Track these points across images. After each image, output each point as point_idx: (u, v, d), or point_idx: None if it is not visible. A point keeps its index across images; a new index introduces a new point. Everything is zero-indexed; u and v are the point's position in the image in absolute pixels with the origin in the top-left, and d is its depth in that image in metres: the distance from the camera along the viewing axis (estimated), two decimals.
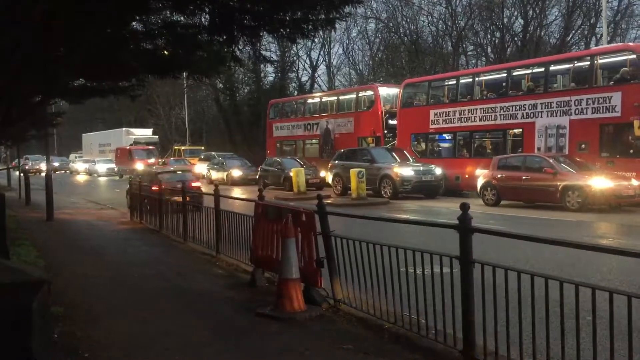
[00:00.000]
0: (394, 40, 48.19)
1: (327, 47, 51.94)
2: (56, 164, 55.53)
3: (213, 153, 38.52)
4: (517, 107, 20.57)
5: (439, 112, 23.67)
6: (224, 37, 6.78)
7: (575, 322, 3.76)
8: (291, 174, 24.49)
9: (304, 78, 53.00)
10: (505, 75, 22.19)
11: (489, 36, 44.87)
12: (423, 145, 24.70)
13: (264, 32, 6.81)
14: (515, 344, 4.21)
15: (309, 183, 24.54)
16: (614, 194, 15.62)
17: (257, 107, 47.07)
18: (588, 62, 19.24)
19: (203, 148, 45.30)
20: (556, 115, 19.26)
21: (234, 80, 51.07)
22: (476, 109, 22.09)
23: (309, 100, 33.88)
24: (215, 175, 32.46)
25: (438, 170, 21.46)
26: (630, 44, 24.18)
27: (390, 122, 26.48)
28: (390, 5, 47.20)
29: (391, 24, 47.74)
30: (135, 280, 8.39)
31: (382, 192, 21.44)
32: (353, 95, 30.02)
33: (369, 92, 28.51)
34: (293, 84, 52.22)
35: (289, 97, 41.32)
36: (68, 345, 5.32)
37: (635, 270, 7.21)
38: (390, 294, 5.45)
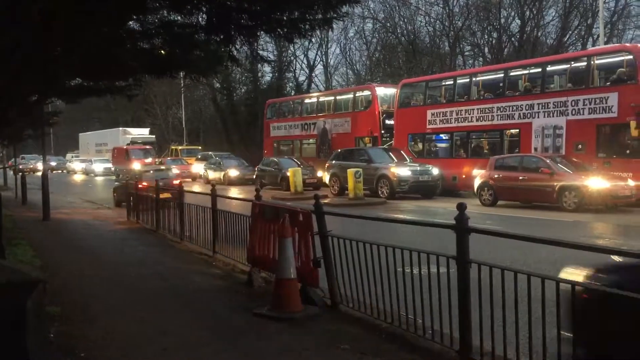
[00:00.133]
0: (392, 40, 48.21)
1: (324, 47, 52.04)
2: (53, 164, 55.47)
3: (210, 153, 38.50)
4: (514, 108, 20.60)
5: (436, 112, 23.69)
6: (221, 37, 6.76)
7: None
8: (288, 173, 24.48)
9: (302, 78, 53.11)
10: (502, 75, 22.21)
11: (486, 36, 44.95)
12: (420, 146, 24.72)
13: (261, 32, 6.79)
14: (512, 344, 4.22)
15: (306, 183, 24.54)
16: (610, 195, 15.65)
17: (255, 107, 47.05)
18: (585, 63, 19.28)
19: (200, 148, 45.27)
20: (553, 116, 19.29)
21: (231, 80, 51.03)
22: (473, 109, 22.12)
23: (306, 100, 33.87)
24: (213, 175, 32.43)
25: (435, 171, 21.48)
26: (627, 44, 24.20)
27: (387, 122, 26.49)
28: (387, 5, 47.30)
29: (388, 24, 47.77)
30: (132, 280, 8.38)
31: (379, 192, 21.45)
32: (350, 95, 30.03)
33: (366, 92, 28.52)
34: (290, 84, 52.23)
35: (286, 97, 41.31)
36: (65, 345, 5.31)
37: None
38: (387, 293, 5.46)
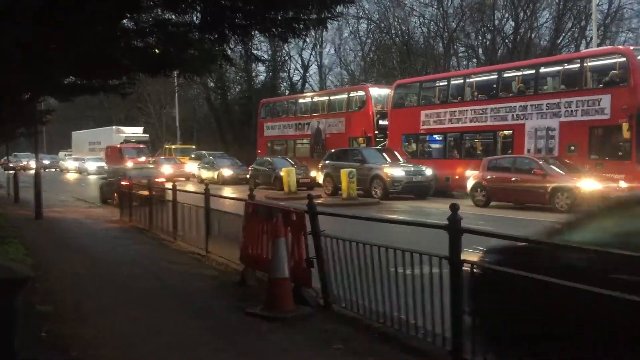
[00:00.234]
0: (386, 41, 48.28)
1: (318, 47, 51.99)
2: (46, 162, 55.17)
3: (204, 152, 38.41)
4: (508, 109, 20.66)
5: (430, 113, 23.73)
6: (215, 36, 6.77)
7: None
8: (282, 173, 24.46)
9: (296, 78, 53.03)
10: (495, 76, 22.28)
11: (480, 38, 45.12)
12: (414, 146, 24.76)
13: (256, 32, 6.80)
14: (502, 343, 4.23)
15: (299, 183, 24.53)
16: (602, 196, 15.71)
17: (249, 107, 46.97)
18: (578, 65, 19.36)
19: (194, 147, 45.16)
20: (546, 117, 19.35)
21: (225, 79, 50.94)
22: (467, 110, 22.16)
23: (300, 100, 33.86)
24: (206, 174, 32.35)
25: (428, 171, 21.51)
26: (620, 47, 24.34)
27: (381, 122, 26.51)
28: (382, 6, 47.34)
29: (383, 25, 47.83)
30: (124, 279, 8.36)
31: (373, 193, 21.46)
32: (344, 96, 30.04)
33: (360, 93, 28.54)
34: (284, 84, 52.19)
35: (281, 97, 41.28)
36: (56, 344, 5.29)
37: None
38: (380, 293, 5.46)
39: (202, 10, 6.48)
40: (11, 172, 24.75)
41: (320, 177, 24.71)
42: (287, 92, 48.44)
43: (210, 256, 9.49)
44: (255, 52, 27.54)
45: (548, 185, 16.44)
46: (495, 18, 43.29)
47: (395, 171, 21.27)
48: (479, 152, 22.24)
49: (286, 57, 51.84)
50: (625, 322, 3.33)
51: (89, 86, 10.94)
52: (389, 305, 5.37)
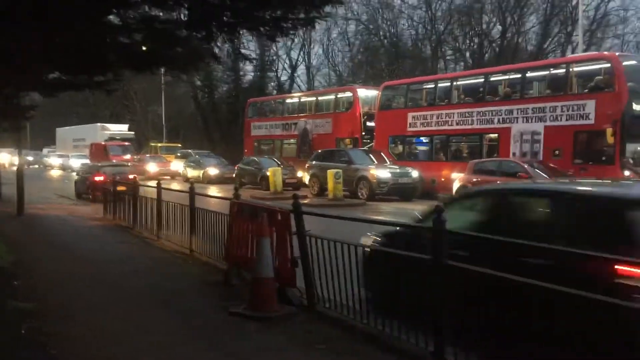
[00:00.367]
0: (374, 43, 48.37)
1: (307, 47, 51.94)
2: (30, 158, 54.56)
3: (190, 150, 38.20)
4: (494, 113, 20.79)
5: (417, 115, 23.81)
6: (203, 34, 6.73)
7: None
8: (268, 173, 24.41)
9: (283, 78, 52.93)
10: (482, 80, 22.40)
11: (468, 41, 45.37)
12: (400, 148, 24.81)
13: (243, 30, 6.77)
14: (485, 345, 4.24)
15: (285, 183, 24.49)
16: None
17: (236, 106, 46.82)
18: (564, 70, 19.53)
19: (180, 145, 44.90)
20: (531, 122, 19.50)
21: (213, 78, 50.71)
22: (453, 113, 22.26)
23: (288, 100, 33.81)
24: (192, 173, 32.18)
25: (415, 173, 21.57)
26: (606, 52, 24.63)
27: (368, 124, 26.54)
28: (370, 8, 47.44)
29: (371, 26, 47.92)
30: (106, 277, 8.28)
31: (359, 194, 21.48)
32: (332, 96, 30.05)
33: (348, 94, 28.57)
34: (272, 84, 52.06)
35: (268, 97, 41.18)
36: (35, 342, 5.23)
37: None
38: (364, 294, 5.46)
39: (189, 7, 6.45)
40: None
41: (306, 178, 24.69)
42: (275, 91, 48.35)
43: (194, 255, 9.44)
44: (243, 51, 27.50)
45: None
46: (483, 22, 43.62)
47: (382, 173, 21.30)
48: (465, 154, 22.33)
49: (274, 57, 51.83)
50: (457, 282, 4.48)
51: (74, 82, 10.85)
52: (373, 306, 5.37)
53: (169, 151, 41.14)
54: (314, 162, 24.25)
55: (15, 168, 18.27)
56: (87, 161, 46.13)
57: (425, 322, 4.69)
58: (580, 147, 18.31)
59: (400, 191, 21.33)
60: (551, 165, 17.95)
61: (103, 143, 44.34)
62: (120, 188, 14.57)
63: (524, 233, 4.66)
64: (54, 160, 54.68)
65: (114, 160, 35.43)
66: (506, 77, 22.05)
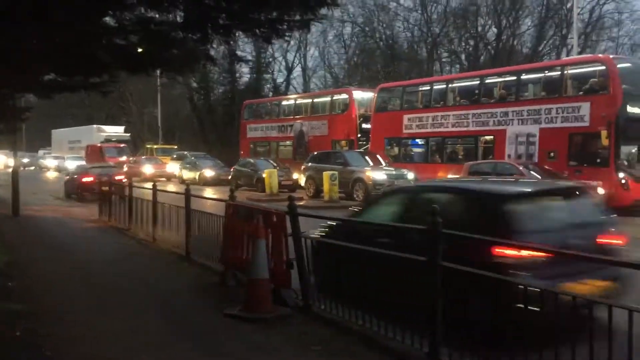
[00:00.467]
0: (370, 45, 48.41)
1: (303, 49, 51.95)
2: (26, 160, 54.38)
3: (186, 152, 38.15)
4: (489, 115, 20.84)
5: (413, 117, 23.85)
6: (198, 35, 6.74)
7: None
8: (264, 175, 24.39)
9: (279, 79, 52.91)
10: (478, 82, 22.45)
11: (463, 44, 45.45)
12: (396, 150, 24.85)
13: (239, 32, 6.78)
14: (480, 346, 4.26)
15: (281, 185, 24.46)
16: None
17: (232, 108, 46.76)
18: (559, 72, 19.58)
19: (176, 147, 44.82)
20: (527, 124, 19.56)
21: (209, 80, 50.66)
22: (449, 115, 22.31)
23: (284, 102, 33.81)
24: (187, 174, 32.14)
25: (410, 175, 21.57)
26: (600, 55, 24.70)
27: (364, 126, 26.56)
28: (366, 10, 47.46)
29: (367, 29, 47.98)
30: (103, 278, 8.28)
31: (355, 196, 21.48)
32: (328, 98, 30.05)
33: (344, 96, 28.58)
34: (268, 85, 52.02)
35: (264, 98, 41.18)
36: (30, 343, 5.22)
37: None
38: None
39: (185, 9, 6.46)
40: None
41: (302, 180, 24.69)
42: (271, 93, 48.35)
43: (190, 257, 9.42)
44: (239, 52, 27.52)
45: None
46: (479, 24, 43.71)
47: (377, 174, 21.30)
48: (460, 156, 22.37)
49: (270, 59, 51.76)
50: (381, 266, 5.24)
51: (70, 83, 10.83)
52: (368, 307, 5.39)
53: (165, 153, 41.05)
54: (309, 164, 24.26)
55: (10, 170, 18.25)
56: (83, 163, 46.13)
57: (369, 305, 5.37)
58: (575, 149, 18.36)
59: None
60: (546, 167, 18.00)
61: (99, 145, 44.22)
62: (105, 189, 15.20)
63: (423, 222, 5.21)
64: (49, 162, 54.54)
65: (111, 162, 35.43)
66: (501, 79, 22.10)
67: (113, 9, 6.82)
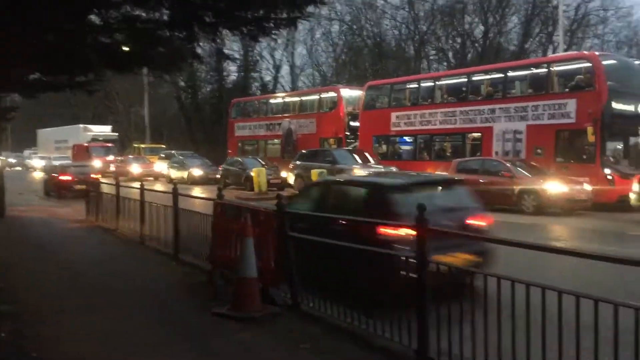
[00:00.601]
0: (358, 43, 48.46)
1: (290, 47, 51.85)
2: (12, 160, 53.94)
3: (173, 151, 37.97)
4: (476, 112, 20.95)
5: (401, 115, 23.92)
6: (184, 34, 6.71)
7: (525, 321, 3.85)
8: (252, 173, 24.36)
9: (267, 78, 52.78)
10: (465, 80, 22.55)
11: (450, 41, 45.64)
12: (384, 148, 24.90)
13: (225, 30, 6.76)
14: (469, 343, 4.27)
15: (270, 183, 24.45)
16: (567, 198, 16.04)
17: (219, 106, 46.61)
18: (545, 69, 19.72)
19: (164, 146, 44.60)
20: (514, 121, 19.68)
21: (196, 78, 50.48)
22: (437, 113, 22.40)
23: (272, 100, 33.77)
24: (175, 174, 31.98)
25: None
26: (586, 52, 24.87)
27: (352, 123, 26.60)
28: (354, 8, 47.50)
29: (355, 27, 48.00)
30: (90, 279, 8.22)
31: None
32: (316, 97, 30.04)
33: (332, 94, 28.60)
34: (256, 84, 51.88)
35: (252, 97, 41.08)
36: (16, 344, 5.17)
37: (585, 271, 7.42)
38: (347, 293, 5.48)
39: (171, 7, 6.42)
40: None
41: (291, 178, 24.67)
42: (259, 92, 48.23)
43: (178, 256, 9.38)
44: (226, 51, 27.38)
45: (515, 187, 16.68)
46: (465, 22, 43.89)
47: (366, 172, 21.33)
48: (448, 154, 22.47)
49: (258, 57, 51.64)
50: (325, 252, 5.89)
51: (55, 83, 10.75)
52: (357, 305, 5.39)
53: (153, 152, 40.84)
54: (298, 162, 24.25)
55: None
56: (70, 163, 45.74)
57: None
58: (562, 146, 18.51)
59: None
60: (533, 163, 18.11)
61: (86, 144, 43.89)
62: (80, 187, 16.43)
63: (338, 209, 6.69)
64: (36, 162, 54.13)
65: (97, 161, 35.26)
66: (488, 76, 22.22)
67: (98, 7, 6.77)
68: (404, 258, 4.94)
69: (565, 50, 32.97)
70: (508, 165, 17.47)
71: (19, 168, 55.50)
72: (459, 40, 44.46)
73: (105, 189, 14.64)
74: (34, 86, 11.15)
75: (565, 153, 18.31)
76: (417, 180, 8.23)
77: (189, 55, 7.75)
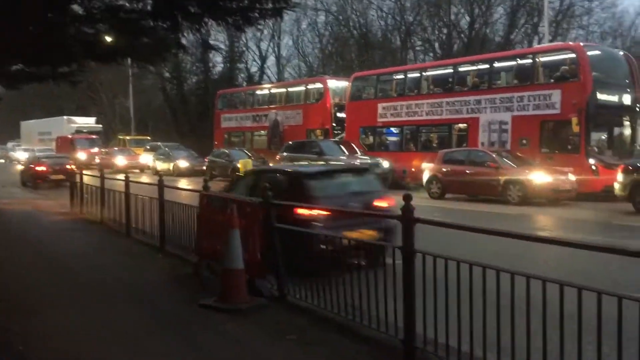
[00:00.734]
0: (344, 34, 48.37)
1: (276, 38, 51.65)
2: None
3: (159, 143, 37.73)
4: (462, 103, 21.01)
5: (387, 106, 23.93)
6: (168, 24, 6.64)
7: (510, 310, 3.87)
8: (239, 165, 24.29)
9: (253, 69, 52.56)
10: (451, 71, 22.60)
11: (437, 32, 45.66)
12: (371, 139, 24.90)
13: (210, 20, 6.69)
14: (454, 333, 4.30)
15: None
16: (552, 189, 16.17)
17: (205, 98, 46.35)
18: (530, 60, 19.81)
19: (149, 138, 44.28)
20: (499, 111, 19.76)
21: (182, 69, 50.13)
22: (423, 104, 22.44)
23: (258, 92, 33.64)
24: (161, 165, 31.81)
25: (385, 164, 21.67)
26: (571, 43, 25.03)
27: (339, 115, 26.58)
28: None
29: (341, 17, 47.89)
30: (75, 272, 8.16)
31: None
32: (302, 88, 29.98)
33: (318, 85, 28.54)
34: (242, 75, 51.62)
35: (238, 88, 40.89)
36: (2, 338, 5.13)
37: (569, 260, 7.49)
38: (334, 284, 5.48)
39: None
40: None
41: None
42: (245, 83, 48.00)
43: (164, 248, 9.34)
44: (211, 41, 27.24)
45: (501, 178, 16.78)
46: (452, 13, 43.91)
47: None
48: (434, 144, 22.53)
49: (244, 48, 51.37)
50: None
51: (37, 73, 10.61)
52: (343, 296, 5.39)
53: (138, 144, 40.54)
54: (284, 154, 24.20)
55: None
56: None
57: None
58: (547, 136, 18.64)
59: None
60: (519, 154, 18.21)
61: (70, 136, 43.49)
62: (57, 177, 17.11)
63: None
64: (19, 154, 53.54)
65: (81, 153, 34.94)
66: (474, 67, 22.27)
67: None
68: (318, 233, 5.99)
69: (551, 41, 33.15)
70: (494, 155, 17.56)
71: (2, 160, 54.88)
72: (445, 31, 44.51)
73: (85, 180, 14.51)
74: (17, 77, 11.01)
75: (550, 143, 18.43)
76: (330, 168, 9.93)
77: (173, 45, 7.69)
